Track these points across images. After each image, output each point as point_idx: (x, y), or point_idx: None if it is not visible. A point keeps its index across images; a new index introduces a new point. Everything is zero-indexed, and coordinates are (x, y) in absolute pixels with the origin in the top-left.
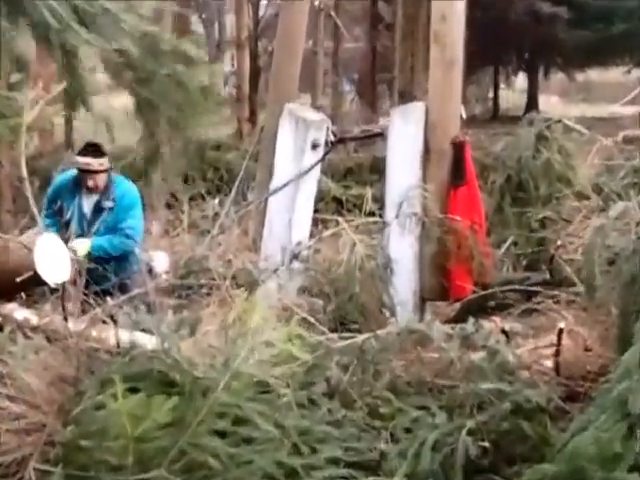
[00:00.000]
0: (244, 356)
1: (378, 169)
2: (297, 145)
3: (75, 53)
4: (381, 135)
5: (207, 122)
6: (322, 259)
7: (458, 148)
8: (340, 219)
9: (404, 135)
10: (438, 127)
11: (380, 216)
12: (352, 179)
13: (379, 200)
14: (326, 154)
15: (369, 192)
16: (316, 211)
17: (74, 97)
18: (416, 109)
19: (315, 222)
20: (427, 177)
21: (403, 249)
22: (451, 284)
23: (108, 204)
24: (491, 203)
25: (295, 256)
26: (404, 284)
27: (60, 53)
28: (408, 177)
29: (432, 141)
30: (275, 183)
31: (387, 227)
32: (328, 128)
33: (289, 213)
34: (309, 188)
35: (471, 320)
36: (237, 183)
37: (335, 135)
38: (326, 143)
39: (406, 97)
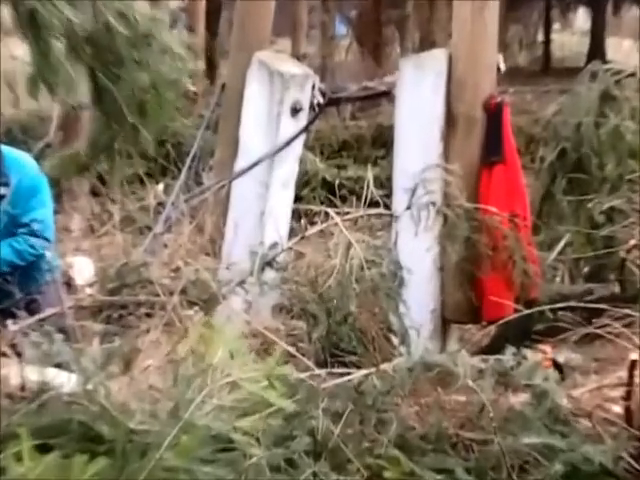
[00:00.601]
0: (199, 402)
1: (384, 142)
2: (271, 109)
3: None
4: (388, 95)
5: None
6: (306, 266)
7: (494, 113)
8: (331, 211)
9: (419, 95)
10: (466, 84)
11: (386, 207)
12: (348, 156)
13: (385, 185)
14: (312, 122)
15: (371, 174)
16: (298, 200)
17: None
18: (435, 59)
19: (297, 215)
20: (450, 153)
21: (418, 252)
22: (484, 300)
23: None
24: (539, 188)
25: (269, 262)
26: (419, 300)
27: None
28: (424, 153)
29: (458, 103)
30: (241, 162)
31: (396, 222)
32: (314, 86)
33: (261, 203)
34: (288, 169)
35: (511, 349)
36: (188, 162)
37: (324, 95)
38: (311, 106)
39: (423, 43)
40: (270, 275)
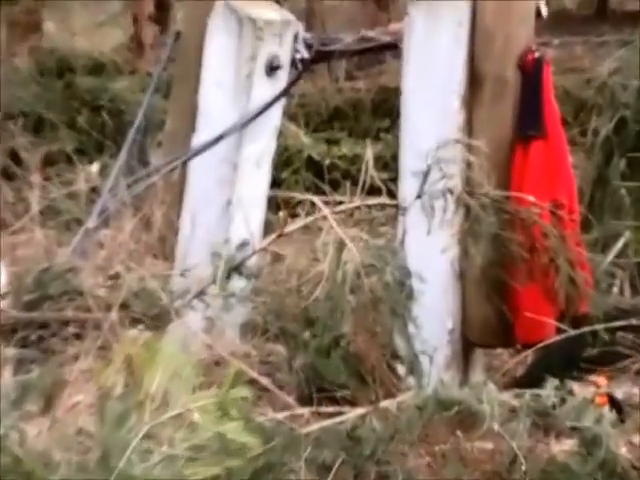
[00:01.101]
0: (141, 449)
1: (388, 110)
2: (240, 67)
3: None
4: (393, 49)
5: None
6: (286, 272)
7: (531, 72)
8: (319, 200)
9: (434, 50)
10: (495, 36)
11: (391, 195)
12: (342, 128)
13: (390, 166)
14: (293, 83)
15: (371, 152)
16: (276, 185)
17: None
18: (455, 4)
19: (274, 205)
20: (474, 125)
21: (431, 254)
22: (518, 317)
23: None
24: (590, 171)
25: (237, 268)
26: (433, 317)
27: None
28: (440, 125)
29: (484, 61)
30: (201, 136)
31: (403, 215)
32: (297, 36)
33: (226, 189)
34: (263, 145)
35: (553, 382)
36: (131, 135)
37: (310, 48)
38: (293, 63)
39: None
40: (238, 284)
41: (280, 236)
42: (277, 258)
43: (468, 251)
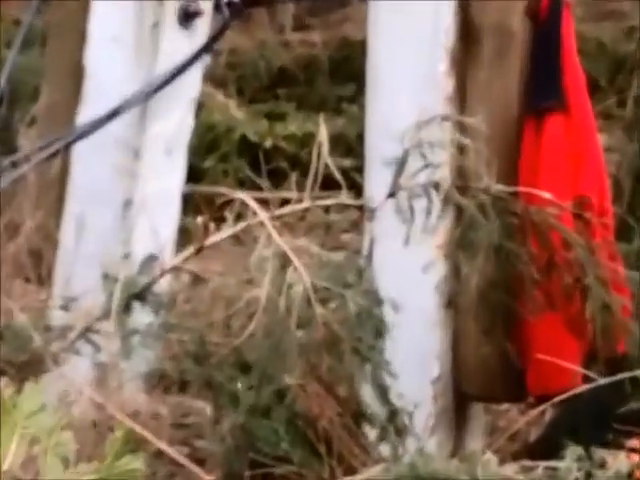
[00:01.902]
0: None
1: (353, 72)
2: (142, 15)
3: None
4: None
5: None
6: (210, 299)
7: (547, 21)
8: (252, 200)
9: None
10: None
11: (356, 191)
12: (289, 98)
13: (354, 151)
14: (217, 37)
15: (325, 130)
16: (195, 178)
17: None
18: None
19: (193, 206)
20: (468, 94)
21: (410, 274)
22: (530, 360)
23: None
24: (630, 155)
25: (140, 294)
26: (413, 360)
27: None
28: (421, 93)
29: (481, 7)
30: (88, 110)
31: (372, 219)
32: None
33: (124, 186)
34: (175, 123)
35: (576, 450)
36: None
37: None
38: (217, 7)
39: None
40: (142, 318)
41: (200, 250)
42: (197, 281)
43: (460, 269)
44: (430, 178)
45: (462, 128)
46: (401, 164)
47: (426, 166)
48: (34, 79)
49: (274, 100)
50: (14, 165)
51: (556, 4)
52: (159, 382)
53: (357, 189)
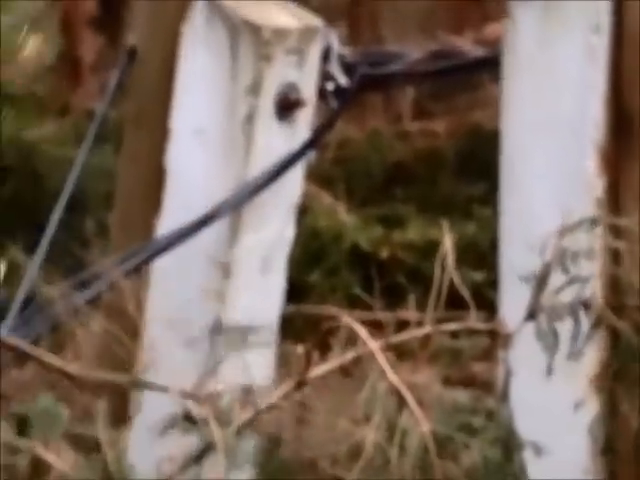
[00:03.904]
0: None
1: (484, 167)
2: (235, 104)
3: None
4: (491, 67)
5: None
6: (312, 441)
7: None
8: (360, 326)
9: (552, 69)
10: None
11: (489, 310)
12: (408, 198)
13: (486, 261)
14: (324, 130)
15: (449, 238)
16: (296, 296)
17: None
18: (587, 3)
19: (293, 330)
20: (623, 194)
21: (555, 412)
22: None
23: None
24: None
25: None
26: None
27: None
28: (564, 193)
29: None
30: (170, 217)
31: (506, 348)
32: (329, 51)
33: (210, 309)
34: (273, 232)
35: None
36: (58, 214)
37: (353, 71)
38: (323, 96)
39: None
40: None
41: (301, 384)
42: (299, 420)
43: (617, 406)
44: (577, 295)
45: (615, 233)
46: (542, 278)
47: (572, 281)
48: (107, 182)
49: (390, 202)
50: (84, 284)
51: None
52: None
53: (489, 309)
